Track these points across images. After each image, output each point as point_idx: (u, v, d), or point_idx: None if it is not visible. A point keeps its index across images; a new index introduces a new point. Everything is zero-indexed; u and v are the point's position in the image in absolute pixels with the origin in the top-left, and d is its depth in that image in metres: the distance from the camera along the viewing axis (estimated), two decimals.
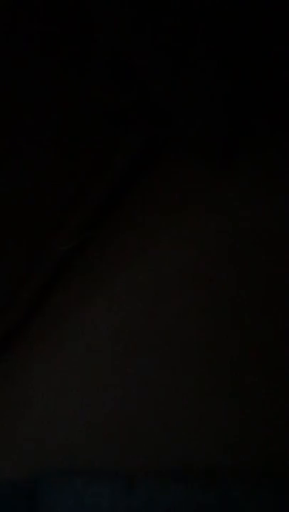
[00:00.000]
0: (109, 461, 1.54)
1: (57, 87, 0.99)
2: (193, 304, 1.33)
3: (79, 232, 1.60)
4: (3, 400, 2.74)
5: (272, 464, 1.00)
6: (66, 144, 1.22)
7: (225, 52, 0.82)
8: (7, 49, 0.93)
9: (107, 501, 1.34)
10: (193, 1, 0.75)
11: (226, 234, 1.25)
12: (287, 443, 0.98)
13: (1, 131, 1.17)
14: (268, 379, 1.05)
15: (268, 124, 1.06)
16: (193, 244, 1.35)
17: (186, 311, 1.36)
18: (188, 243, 1.37)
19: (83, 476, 1.56)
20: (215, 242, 1.27)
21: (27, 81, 0.99)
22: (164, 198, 1.45)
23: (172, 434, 1.32)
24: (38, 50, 0.92)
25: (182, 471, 1.21)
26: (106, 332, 1.75)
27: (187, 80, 0.85)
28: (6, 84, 0.98)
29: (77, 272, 1.91)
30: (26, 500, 1.84)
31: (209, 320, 1.26)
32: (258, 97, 0.93)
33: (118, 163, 1.26)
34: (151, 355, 1.50)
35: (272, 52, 0.81)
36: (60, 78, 0.97)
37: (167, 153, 1.31)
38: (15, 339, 2.63)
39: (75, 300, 1.97)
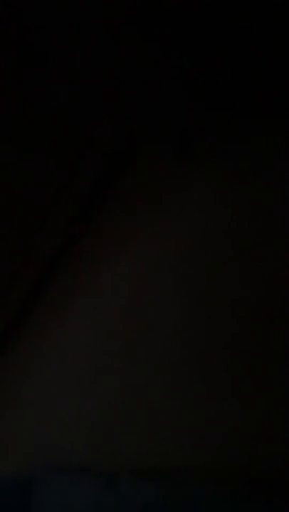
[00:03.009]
0: (96, 460, 1.55)
1: (20, 87, 0.99)
2: (175, 299, 1.33)
3: (63, 230, 1.60)
4: None
5: (257, 465, 1.00)
6: (43, 143, 1.22)
7: (185, 43, 0.82)
8: None
9: (90, 499, 1.35)
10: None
11: (202, 232, 1.25)
12: (268, 444, 0.98)
13: None
14: (259, 378, 1.05)
15: (240, 117, 1.06)
16: (176, 239, 1.35)
17: (170, 305, 1.36)
18: (171, 238, 1.37)
19: (67, 474, 1.57)
20: (195, 236, 1.28)
21: None
22: (144, 195, 1.45)
23: (162, 432, 1.32)
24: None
25: (166, 470, 1.21)
26: (93, 330, 1.76)
27: (142, 76, 0.86)
28: None
29: (63, 271, 1.92)
30: (18, 498, 1.85)
31: (192, 315, 1.26)
32: (225, 89, 0.94)
33: (95, 161, 1.27)
34: (138, 353, 1.50)
35: (237, 41, 0.81)
36: (23, 79, 0.97)
37: (144, 149, 1.31)
38: (7, 339, 2.64)
39: (63, 299, 1.98)
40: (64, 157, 1.31)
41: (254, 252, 1.09)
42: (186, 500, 1.06)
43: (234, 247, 1.15)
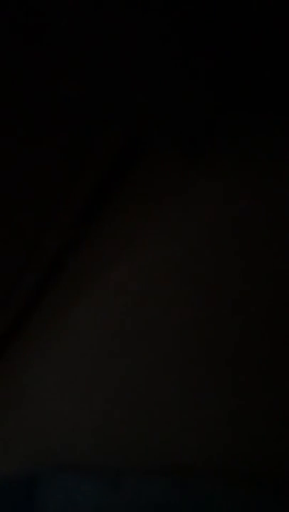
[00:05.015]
0: (100, 458, 1.55)
1: (26, 83, 0.99)
2: (180, 299, 1.33)
3: (67, 229, 1.60)
4: None
5: (265, 465, 1.00)
6: (47, 142, 1.23)
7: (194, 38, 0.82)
8: None
9: (95, 498, 1.35)
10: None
11: (209, 231, 1.24)
12: (276, 443, 0.98)
13: None
14: (266, 377, 1.05)
15: (249, 114, 1.06)
16: (182, 237, 1.35)
17: (175, 305, 1.36)
18: (177, 237, 1.37)
19: (73, 473, 1.57)
20: (201, 235, 1.27)
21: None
22: (149, 193, 1.45)
23: (167, 430, 1.32)
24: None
25: (172, 469, 1.21)
26: (96, 329, 1.76)
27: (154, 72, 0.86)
28: None
29: (67, 270, 1.91)
30: (22, 497, 1.85)
31: (197, 315, 1.26)
32: (235, 83, 0.93)
33: (99, 160, 1.27)
34: (142, 353, 1.50)
35: (249, 39, 0.81)
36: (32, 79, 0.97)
37: (150, 147, 1.31)
38: (10, 338, 2.65)
39: (67, 298, 1.98)
40: (68, 156, 1.31)
41: (262, 250, 1.09)
42: (193, 499, 1.06)
43: (242, 245, 1.14)
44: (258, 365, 1.05)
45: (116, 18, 0.83)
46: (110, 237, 1.64)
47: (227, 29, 0.80)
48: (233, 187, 1.16)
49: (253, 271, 1.10)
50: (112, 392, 1.60)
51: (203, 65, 0.86)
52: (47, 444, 1.99)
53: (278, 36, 0.81)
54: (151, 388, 1.40)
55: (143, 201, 1.48)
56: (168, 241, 1.40)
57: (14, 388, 2.52)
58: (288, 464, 0.93)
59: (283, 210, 1.04)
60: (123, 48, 0.86)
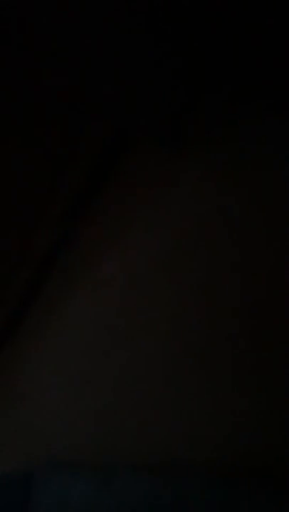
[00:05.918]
0: (95, 455, 1.54)
1: (16, 81, 0.98)
2: (171, 291, 1.32)
3: (59, 225, 1.60)
4: None
5: (257, 460, 0.99)
6: (37, 139, 1.22)
7: (171, 27, 0.81)
8: None
9: (88, 495, 1.35)
10: None
11: (196, 220, 1.24)
12: (268, 439, 0.98)
13: None
14: (260, 371, 1.04)
15: (230, 102, 1.05)
16: (170, 227, 1.34)
17: (166, 298, 1.35)
18: (166, 227, 1.36)
19: (67, 471, 1.57)
20: (190, 224, 1.27)
21: None
22: (137, 185, 1.44)
23: (160, 426, 1.32)
24: None
25: (164, 465, 1.21)
26: (90, 325, 1.75)
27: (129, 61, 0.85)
28: None
29: (59, 265, 1.91)
30: (18, 494, 1.85)
31: (188, 307, 1.26)
32: (212, 72, 0.93)
33: (88, 155, 1.26)
34: (136, 348, 1.49)
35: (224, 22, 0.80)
36: (21, 75, 0.96)
37: (135, 139, 1.30)
38: (7, 336, 2.64)
39: (60, 296, 1.97)
40: (57, 153, 1.30)
41: (250, 236, 1.08)
42: (184, 496, 1.06)
43: (230, 232, 1.14)
44: (254, 357, 1.04)
45: (100, 17, 0.82)
46: (101, 231, 1.64)
47: (209, 24, 0.79)
48: (219, 175, 1.15)
49: (244, 258, 1.09)
50: (106, 392, 1.60)
51: (185, 57, 0.85)
52: (42, 443, 1.99)
53: (260, 31, 0.80)
54: (146, 383, 1.39)
55: (130, 194, 1.48)
56: (156, 234, 1.39)
57: (9, 387, 2.52)
58: (285, 462, 0.93)
59: (269, 195, 1.03)
60: (108, 48, 0.85)
